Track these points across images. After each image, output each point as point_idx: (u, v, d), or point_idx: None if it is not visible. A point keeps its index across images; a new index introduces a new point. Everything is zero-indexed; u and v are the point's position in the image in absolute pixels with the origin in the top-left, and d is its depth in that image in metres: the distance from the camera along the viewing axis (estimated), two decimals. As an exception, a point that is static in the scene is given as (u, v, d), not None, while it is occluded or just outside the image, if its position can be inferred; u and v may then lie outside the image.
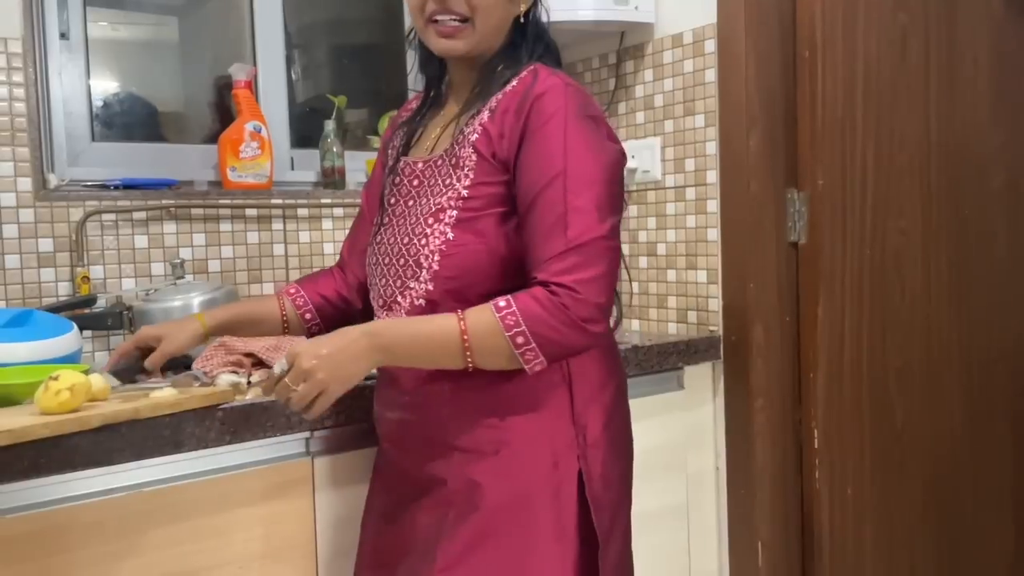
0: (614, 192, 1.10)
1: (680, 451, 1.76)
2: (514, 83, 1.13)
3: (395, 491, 1.23)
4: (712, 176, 1.79)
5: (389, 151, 1.32)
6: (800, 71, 1.72)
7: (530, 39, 1.18)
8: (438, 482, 1.16)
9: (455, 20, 1.13)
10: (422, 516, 1.17)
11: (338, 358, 1.03)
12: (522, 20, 1.18)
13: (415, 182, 1.20)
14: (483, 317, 1.05)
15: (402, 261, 1.17)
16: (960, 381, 1.97)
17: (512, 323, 1.03)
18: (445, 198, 1.13)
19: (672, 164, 1.89)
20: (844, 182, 1.75)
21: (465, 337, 1.04)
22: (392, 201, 1.23)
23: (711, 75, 1.77)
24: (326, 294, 1.37)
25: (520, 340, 1.04)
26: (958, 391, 1.97)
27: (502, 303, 1.05)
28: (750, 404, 1.73)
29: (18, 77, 1.63)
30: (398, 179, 1.23)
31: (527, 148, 1.09)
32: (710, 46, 1.77)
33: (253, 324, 1.33)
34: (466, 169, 1.13)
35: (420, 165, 1.20)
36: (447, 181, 1.15)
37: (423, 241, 1.14)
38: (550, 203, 1.06)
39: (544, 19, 1.22)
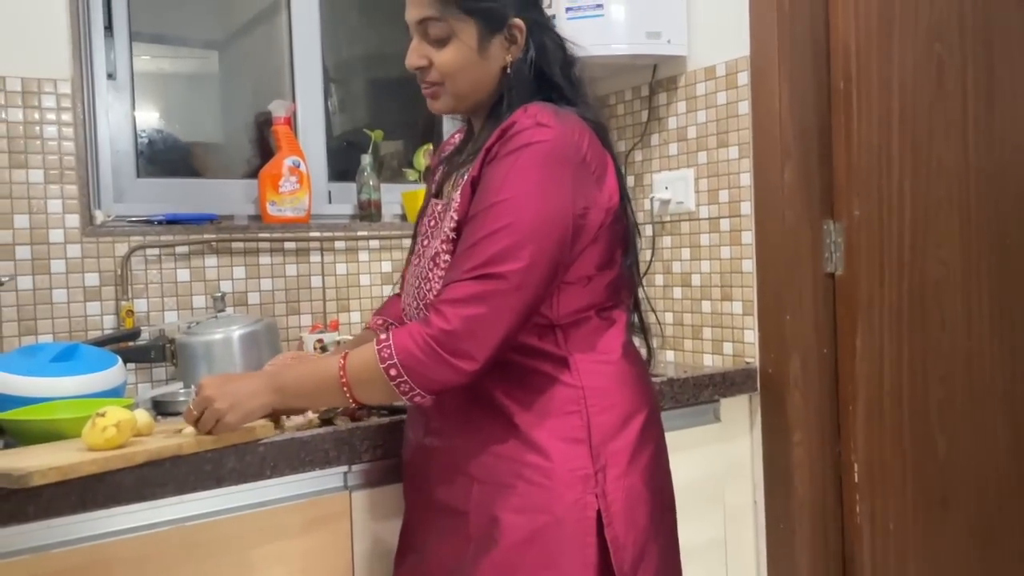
0: (540, 241, 1.06)
1: (717, 485, 1.75)
2: (504, 123, 1.13)
3: (421, 522, 1.24)
4: (747, 207, 1.79)
5: (431, 184, 1.35)
6: (835, 102, 1.72)
7: (515, 88, 1.17)
8: (460, 514, 1.16)
9: (431, 84, 1.19)
10: (445, 547, 1.18)
11: (237, 391, 1.13)
12: (508, 70, 1.18)
13: (431, 223, 1.23)
14: (364, 352, 1.10)
15: (414, 304, 1.20)
16: (1004, 413, 1.93)
17: (387, 355, 1.07)
18: (438, 242, 1.16)
19: (706, 195, 1.89)
20: (881, 212, 1.74)
21: (342, 374, 1.10)
22: (417, 241, 1.27)
23: (744, 107, 1.78)
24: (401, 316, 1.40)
25: (393, 372, 1.07)
26: (1002, 423, 1.93)
27: (383, 335, 1.10)
28: (788, 437, 1.71)
29: (67, 117, 1.69)
30: (424, 219, 1.26)
31: (483, 175, 1.11)
32: (743, 78, 1.77)
33: None
34: (452, 210, 1.15)
35: (439, 207, 1.23)
36: (443, 223, 1.17)
37: (428, 286, 1.16)
38: (471, 231, 1.09)
39: (544, 57, 1.19)
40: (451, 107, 1.21)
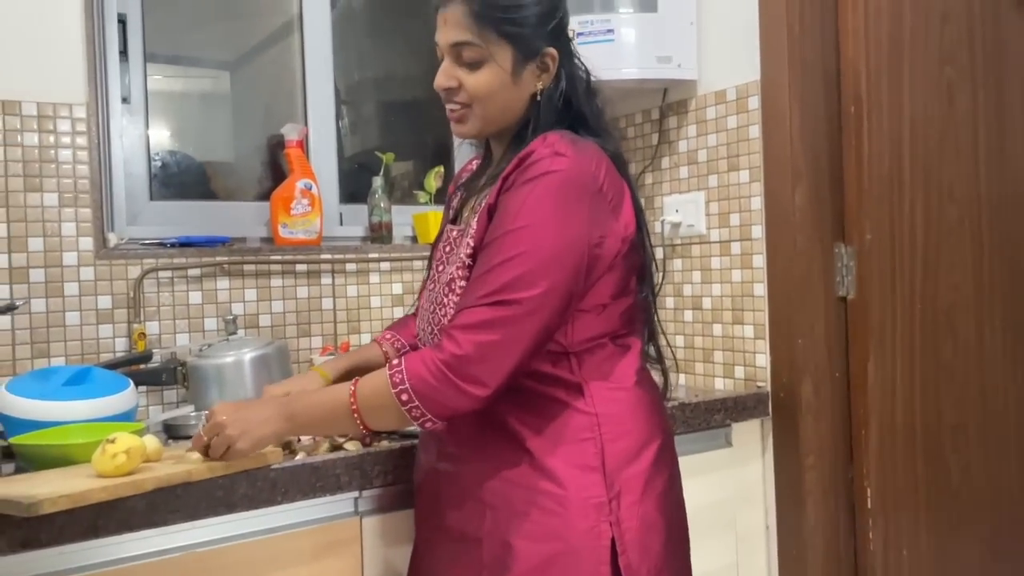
0: (555, 269, 1.07)
1: (729, 510, 1.74)
2: (523, 151, 1.14)
3: (432, 548, 1.24)
4: (758, 231, 1.79)
5: (448, 210, 1.37)
6: (846, 126, 1.72)
7: (542, 115, 1.18)
8: (472, 540, 1.16)
9: (459, 106, 1.18)
10: (456, 573, 1.17)
11: (248, 417, 1.13)
12: (538, 97, 1.18)
13: (447, 248, 1.23)
14: (376, 379, 1.10)
15: (430, 329, 1.20)
16: (1018, 438, 1.92)
17: (398, 380, 1.07)
18: (454, 268, 1.16)
19: (717, 218, 1.89)
20: (893, 236, 1.74)
21: (353, 401, 1.10)
22: (432, 266, 1.27)
23: (755, 131, 1.78)
24: (417, 333, 1.40)
25: (404, 397, 1.07)
26: (1016, 448, 1.91)
27: (396, 361, 1.10)
28: (800, 462, 1.70)
29: (82, 141, 1.70)
30: (440, 245, 1.27)
31: (500, 203, 1.11)
32: (754, 103, 1.78)
33: (363, 371, 1.35)
34: (468, 236, 1.16)
35: (455, 233, 1.23)
36: (459, 249, 1.17)
37: (443, 311, 1.16)
38: (486, 257, 1.09)
39: (573, 87, 1.20)
40: (478, 131, 1.21)
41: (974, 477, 1.84)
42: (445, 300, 1.16)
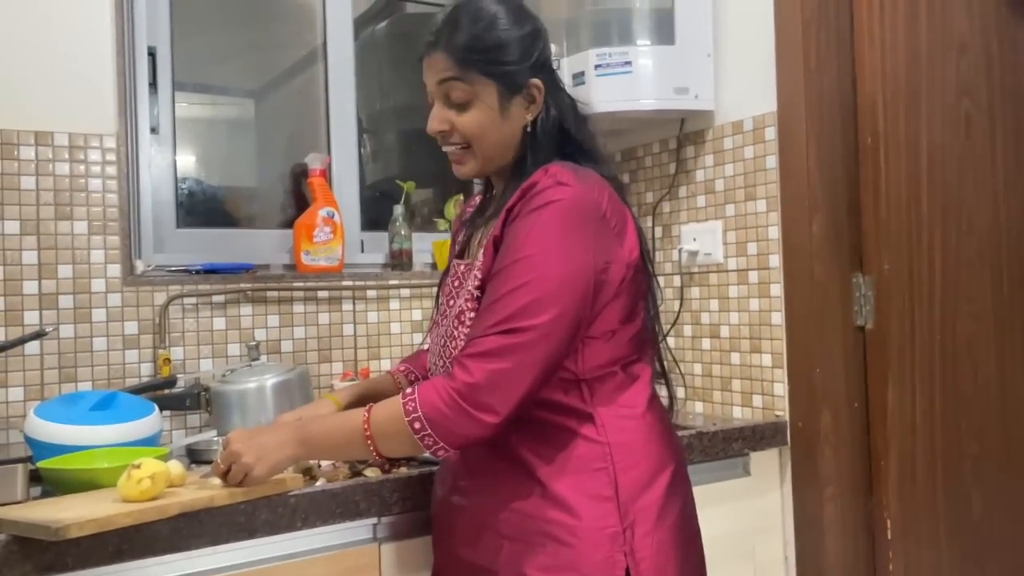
0: (562, 296, 1.08)
1: (747, 540, 1.73)
2: (526, 183, 1.15)
3: None
4: (775, 260, 1.80)
5: (455, 246, 1.39)
6: (863, 157, 1.73)
7: (538, 146, 1.20)
8: (488, 572, 1.16)
9: (457, 147, 1.21)
10: None
11: (264, 444, 1.16)
12: (528, 129, 1.21)
13: (455, 283, 1.25)
14: (390, 406, 1.12)
15: (441, 363, 1.22)
16: (1041, 470, 1.90)
17: (411, 408, 1.09)
18: (463, 300, 1.18)
19: (734, 247, 1.90)
20: (911, 267, 1.74)
21: (366, 427, 1.11)
22: (441, 302, 1.29)
23: (772, 161, 1.79)
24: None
25: (417, 425, 1.08)
26: (1039, 480, 1.89)
27: (408, 389, 1.11)
28: (819, 492, 1.70)
29: (111, 170, 1.74)
30: (448, 280, 1.29)
31: (505, 234, 1.13)
32: (770, 133, 1.79)
33: (376, 400, 1.37)
34: (476, 268, 1.18)
35: (462, 267, 1.25)
36: (467, 282, 1.19)
37: (453, 344, 1.18)
38: (495, 287, 1.11)
39: (562, 116, 1.22)
40: (478, 170, 1.24)
41: (996, 510, 1.82)
42: (455, 333, 1.18)
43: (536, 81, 1.20)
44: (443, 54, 1.18)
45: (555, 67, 1.26)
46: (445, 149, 1.24)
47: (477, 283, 1.16)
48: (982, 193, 1.83)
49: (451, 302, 1.24)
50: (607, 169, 1.22)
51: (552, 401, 1.15)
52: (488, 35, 1.18)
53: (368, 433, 1.12)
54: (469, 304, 1.16)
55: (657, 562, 1.12)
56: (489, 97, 1.18)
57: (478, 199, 1.39)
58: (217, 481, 1.20)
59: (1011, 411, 1.85)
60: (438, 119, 1.21)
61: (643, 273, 1.21)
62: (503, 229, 1.15)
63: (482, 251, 1.18)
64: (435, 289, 2.02)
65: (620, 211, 1.18)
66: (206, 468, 1.33)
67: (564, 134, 1.22)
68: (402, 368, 1.46)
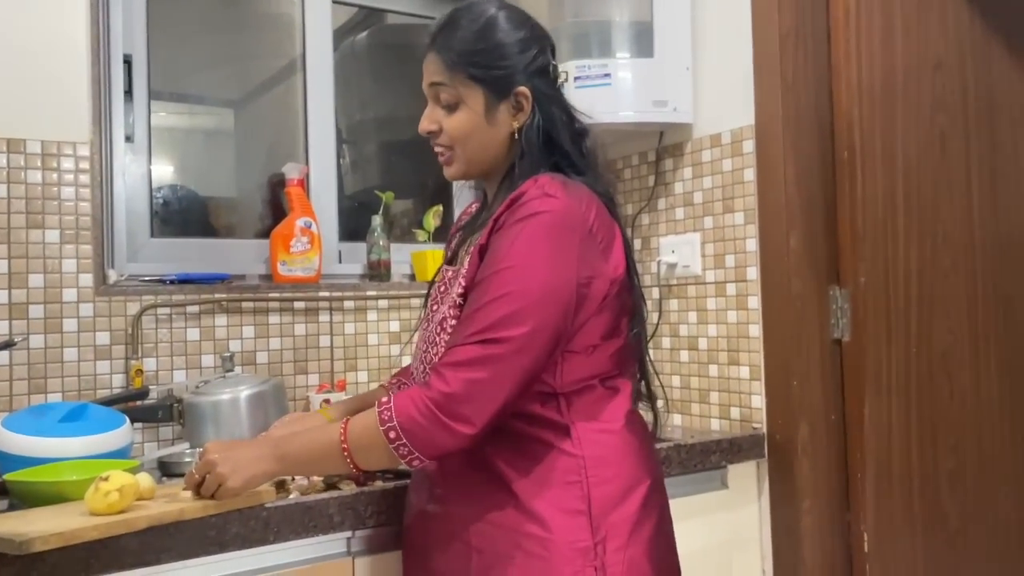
0: (543, 309, 1.08)
1: (725, 553, 1.73)
2: (514, 193, 1.15)
3: None
4: (752, 272, 1.80)
5: (447, 253, 1.38)
6: (839, 171, 1.74)
7: (527, 154, 1.20)
8: None
9: (444, 148, 1.24)
10: None
11: (241, 457, 1.14)
12: (516, 136, 1.21)
13: (442, 288, 1.25)
14: (366, 417, 1.11)
15: (422, 368, 1.21)
16: (1015, 484, 1.91)
17: (386, 418, 1.08)
18: (447, 307, 1.17)
19: (712, 260, 1.90)
20: (887, 280, 1.75)
21: (343, 440, 1.10)
22: (427, 306, 1.28)
23: (750, 174, 1.80)
24: None
25: (392, 435, 1.07)
26: (1013, 493, 1.91)
27: (384, 398, 1.10)
28: (797, 505, 1.70)
29: (85, 179, 1.72)
30: (436, 284, 1.28)
31: (491, 243, 1.13)
32: (748, 146, 1.80)
33: None
34: (460, 277, 1.17)
35: (450, 274, 1.24)
36: (452, 290, 1.19)
37: (434, 350, 1.17)
38: (476, 296, 1.10)
39: (551, 124, 1.21)
40: (463, 172, 1.25)
41: (971, 522, 1.83)
42: (437, 339, 1.17)
43: (523, 89, 1.20)
44: (436, 56, 1.21)
45: (557, 76, 1.25)
46: (435, 149, 1.25)
47: (461, 290, 1.16)
48: (957, 208, 1.85)
49: (436, 308, 1.23)
50: (600, 183, 1.21)
51: (529, 413, 1.14)
52: (479, 40, 1.19)
53: (345, 447, 1.11)
54: (452, 311, 1.16)
55: None
56: (475, 101, 1.19)
57: (475, 207, 1.39)
58: (189, 494, 1.18)
59: (986, 424, 1.87)
60: (428, 119, 1.23)
61: (628, 290, 1.20)
62: (489, 238, 1.14)
63: (468, 258, 1.18)
64: (413, 300, 2.06)
65: (608, 226, 1.17)
66: (178, 481, 1.32)
67: (551, 143, 1.21)
68: (394, 381, 1.45)
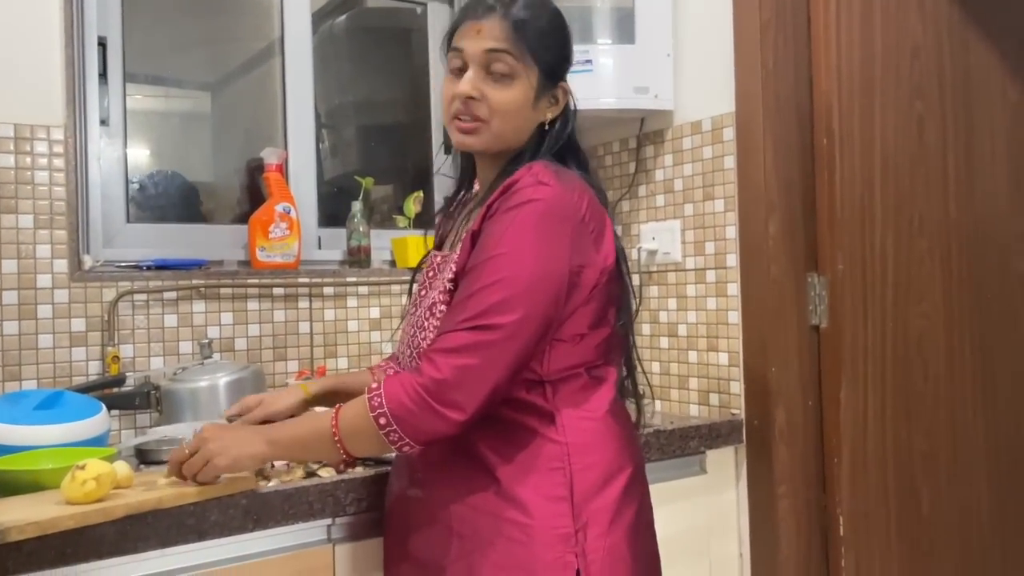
0: (534, 296, 1.08)
1: (703, 537, 1.74)
2: (510, 178, 1.15)
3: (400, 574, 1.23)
4: (732, 259, 1.81)
5: (436, 239, 1.38)
6: (818, 158, 1.75)
7: (545, 145, 1.21)
8: (439, 568, 1.15)
9: (472, 118, 1.18)
10: None
11: (233, 437, 1.14)
12: (546, 127, 1.21)
13: (430, 274, 1.24)
14: (356, 404, 1.10)
15: (409, 352, 1.21)
16: (987, 467, 1.94)
17: (376, 404, 1.07)
18: (437, 292, 1.17)
19: (692, 247, 1.91)
20: (864, 266, 1.77)
21: (334, 425, 1.10)
22: (414, 291, 1.28)
23: (730, 161, 1.81)
24: None
25: (383, 421, 1.07)
26: (985, 476, 1.94)
27: (374, 384, 1.09)
28: (774, 490, 1.72)
29: (59, 163, 1.70)
30: (424, 270, 1.27)
31: (483, 229, 1.13)
32: (728, 134, 1.80)
33: (349, 395, 1.33)
34: (451, 263, 1.17)
35: (438, 259, 1.24)
36: (442, 275, 1.18)
37: (423, 335, 1.17)
38: (467, 283, 1.10)
39: (571, 121, 1.24)
40: (487, 145, 1.21)
41: (944, 505, 1.86)
42: (426, 324, 1.17)
43: (565, 84, 1.22)
44: (503, 22, 1.15)
45: None
46: (459, 117, 1.18)
47: (451, 275, 1.15)
48: (933, 194, 1.87)
49: (424, 292, 1.23)
50: (594, 179, 1.23)
51: (514, 399, 1.14)
52: (551, 23, 1.19)
53: (336, 433, 1.10)
54: (442, 296, 1.16)
55: (609, 564, 1.12)
56: (531, 80, 1.18)
57: (462, 194, 1.38)
58: (167, 482, 1.18)
59: (959, 409, 1.89)
60: (472, 84, 1.16)
61: (617, 280, 1.20)
62: (482, 224, 1.14)
63: (459, 244, 1.17)
64: (393, 287, 2.05)
65: (599, 216, 1.17)
66: (157, 469, 1.31)
67: (571, 141, 1.23)
68: (383, 365, 1.44)
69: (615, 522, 1.13)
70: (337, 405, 1.14)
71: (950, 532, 1.87)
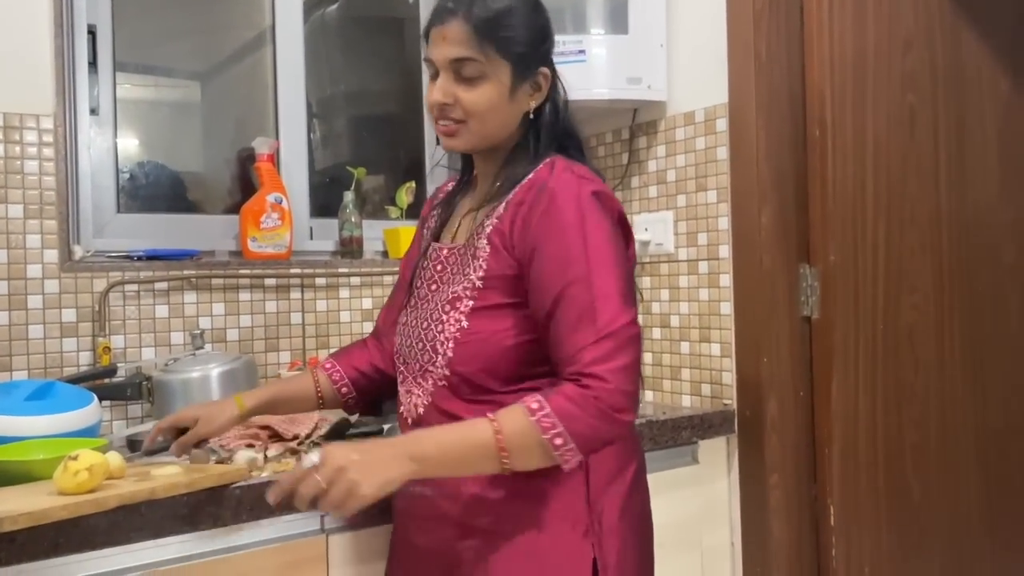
0: (632, 284, 1.13)
1: (695, 527, 1.75)
2: (531, 175, 1.16)
3: (411, 571, 1.23)
4: (725, 250, 1.82)
5: (424, 230, 1.36)
6: (810, 149, 1.75)
7: (542, 134, 1.20)
8: (454, 563, 1.16)
9: (451, 122, 1.18)
10: None
11: (370, 461, 1.01)
12: (531, 116, 1.20)
13: (439, 267, 1.23)
14: (518, 421, 1.04)
15: (421, 345, 1.19)
16: (976, 457, 1.95)
17: (548, 425, 1.03)
18: (461, 287, 1.16)
19: (685, 238, 1.91)
20: (856, 258, 1.77)
21: (501, 440, 1.03)
22: (419, 284, 1.26)
23: (723, 152, 1.81)
24: (360, 367, 1.38)
25: (559, 441, 1.03)
26: (974, 467, 1.95)
27: (534, 405, 1.04)
28: (765, 480, 1.72)
29: (48, 152, 1.68)
30: (426, 263, 1.26)
31: (545, 244, 1.10)
32: (721, 124, 1.81)
33: (289, 403, 1.35)
34: (480, 260, 1.16)
35: (445, 252, 1.23)
36: (465, 271, 1.17)
37: (439, 328, 1.16)
38: (576, 296, 1.07)
39: (561, 107, 1.23)
40: (471, 146, 1.21)
41: (934, 495, 1.87)
42: (444, 317, 1.16)
43: (545, 70, 1.20)
44: (463, 25, 1.14)
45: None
46: (440, 121, 1.19)
47: (482, 274, 1.14)
48: (924, 185, 1.87)
49: (434, 287, 1.21)
50: (593, 164, 1.23)
51: (531, 391, 1.13)
52: (509, 15, 1.16)
53: (504, 449, 1.04)
54: (469, 293, 1.15)
55: (621, 553, 1.15)
56: (502, 76, 1.16)
57: (451, 185, 1.37)
58: (170, 470, 1.17)
59: (949, 399, 1.91)
60: (443, 91, 1.16)
61: (633, 278, 1.22)
62: (512, 225, 1.13)
63: (484, 243, 1.15)
64: (386, 278, 2.04)
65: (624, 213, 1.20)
66: (148, 460, 1.31)
67: (564, 127, 1.22)
68: (327, 366, 1.39)
69: (625, 512, 1.17)
70: (488, 416, 1.06)
71: (939, 521, 1.89)
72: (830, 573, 1.74)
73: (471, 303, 1.14)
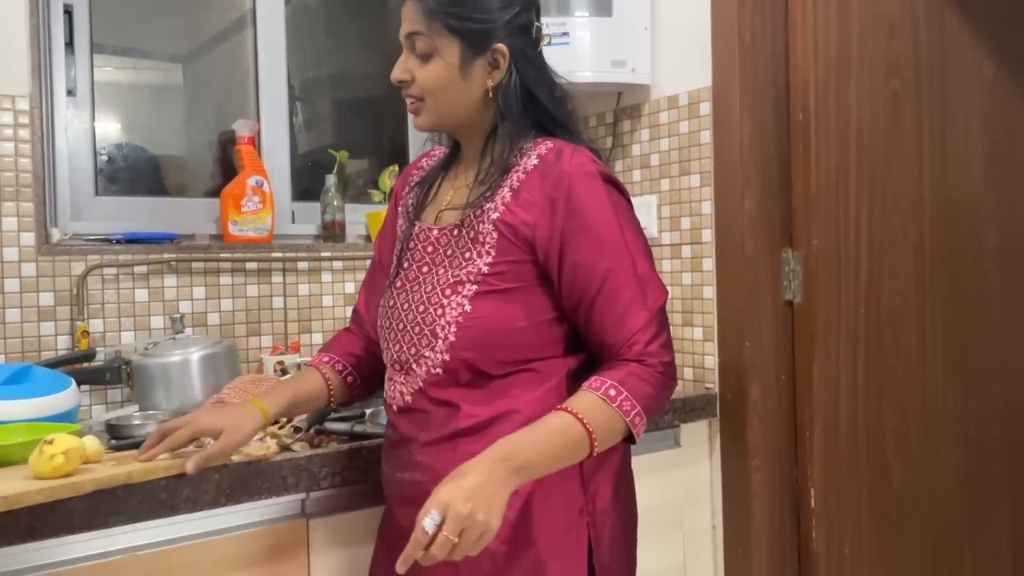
0: (653, 269, 1.20)
1: (677, 510, 1.76)
2: (535, 160, 1.15)
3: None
4: (708, 235, 1.81)
5: (400, 208, 1.33)
6: (794, 133, 1.75)
7: (512, 112, 1.18)
8: None
9: (414, 99, 1.21)
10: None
11: (487, 491, 0.99)
12: (490, 94, 1.18)
13: (429, 249, 1.21)
14: (601, 410, 1.09)
15: (417, 329, 1.17)
16: (956, 441, 1.97)
17: (629, 407, 1.10)
18: (464, 272, 1.15)
19: (668, 222, 1.91)
20: (839, 242, 1.77)
21: (591, 433, 1.08)
22: (406, 265, 1.23)
23: (706, 136, 1.80)
24: (354, 351, 1.37)
25: (637, 420, 1.11)
26: (954, 451, 1.97)
27: (612, 392, 1.10)
28: (747, 463, 1.73)
29: (24, 133, 1.66)
30: (413, 243, 1.24)
31: (580, 233, 1.12)
32: (705, 108, 1.80)
33: (307, 403, 1.31)
34: (487, 246, 1.14)
35: (435, 232, 1.21)
36: (466, 255, 1.16)
37: (439, 311, 1.15)
38: (624, 282, 1.13)
39: (533, 85, 1.19)
40: (433, 124, 1.22)
41: (914, 479, 1.89)
42: (445, 302, 1.15)
43: (501, 46, 1.17)
44: (415, 4, 1.17)
45: (539, 38, 1.23)
46: (407, 99, 1.22)
47: (489, 260, 1.13)
48: (907, 170, 1.88)
49: (426, 269, 1.20)
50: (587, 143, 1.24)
51: (529, 373, 1.16)
52: None
53: (594, 439, 1.08)
54: (474, 277, 1.14)
55: (613, 533, 1.18)
56: (450, 54, 1.16)
57: (426, 161, 1.36)
58: (141, 456, 1.16)
59: (929, 384, 1.92)
60: (401, 68, 1.20)
61: None
62: (527, 214, 1.13)
63: (492, 229, 1.14)
64: (369, 262, 2.01)
65: None
66: (127, 443, 1.29)
67: (533, 104, 1.19)
68: (325, 359, 1.36)
69: (616, 492, 1.20)
70: (565, 407, 1.08)
71: (920, 505, 1.90)
72: (811, 555, 1.75)
73: (475, 287, 1.13)
